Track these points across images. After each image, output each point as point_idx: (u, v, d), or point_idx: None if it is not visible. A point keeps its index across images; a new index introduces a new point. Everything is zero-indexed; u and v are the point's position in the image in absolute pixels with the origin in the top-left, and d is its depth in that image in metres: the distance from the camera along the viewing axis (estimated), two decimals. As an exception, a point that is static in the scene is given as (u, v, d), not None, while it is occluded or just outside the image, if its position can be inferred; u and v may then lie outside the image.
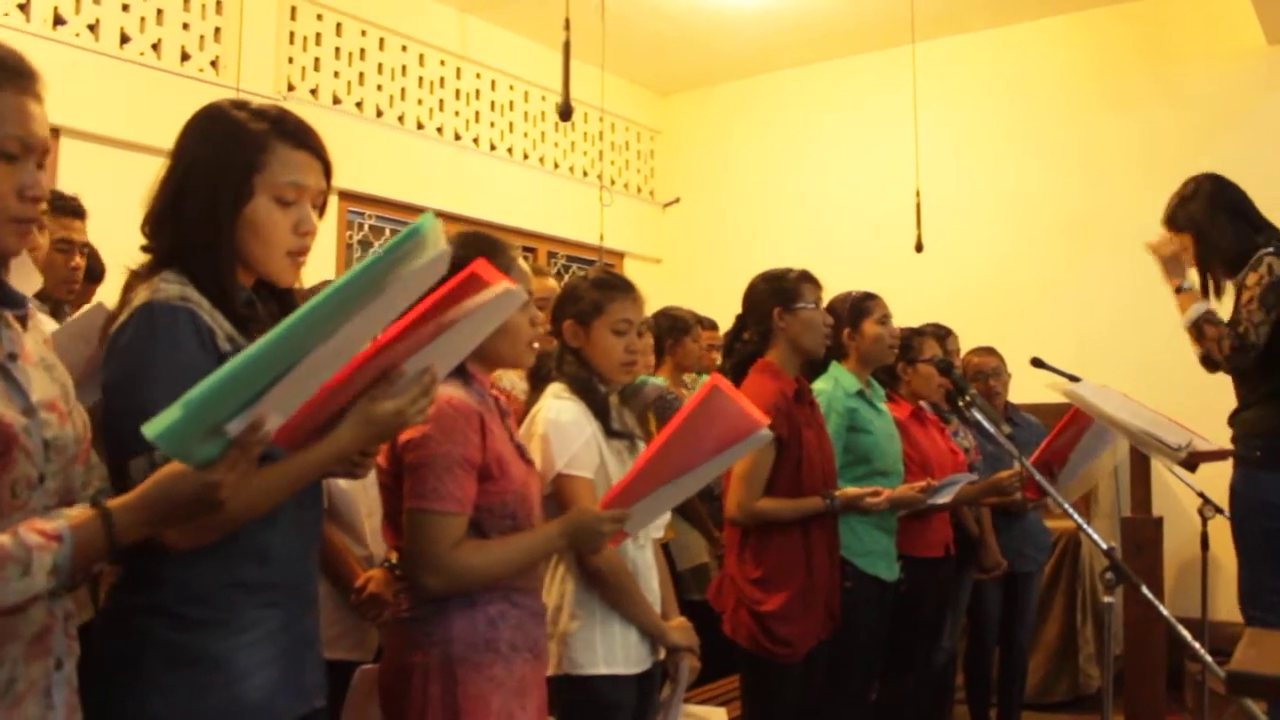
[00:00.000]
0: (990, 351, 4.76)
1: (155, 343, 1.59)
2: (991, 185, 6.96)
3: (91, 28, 5.00)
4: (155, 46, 5.24)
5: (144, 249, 1.72)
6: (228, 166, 1.67)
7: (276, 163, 1.69)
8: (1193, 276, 3.43)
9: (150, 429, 1.27)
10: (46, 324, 1.60)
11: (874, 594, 3.50)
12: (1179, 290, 3.40)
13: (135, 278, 1.69)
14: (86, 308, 1.95)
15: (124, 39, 5.11)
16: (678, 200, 8.28)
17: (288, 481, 1.58)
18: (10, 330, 1.46)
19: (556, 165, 7.55)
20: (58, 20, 4.88)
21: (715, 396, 2.17)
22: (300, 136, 1.73)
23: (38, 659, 1.40)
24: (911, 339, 4.13)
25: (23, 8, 4.77)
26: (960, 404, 3.16)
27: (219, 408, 1.31)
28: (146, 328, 1.59)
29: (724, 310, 3.58)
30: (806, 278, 3.36)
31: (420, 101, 6.61)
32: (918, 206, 6.03)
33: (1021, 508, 4.42)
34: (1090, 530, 2.60)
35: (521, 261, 2.27)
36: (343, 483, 2.84)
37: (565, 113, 4.30)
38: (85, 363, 1.80)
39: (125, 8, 5.12)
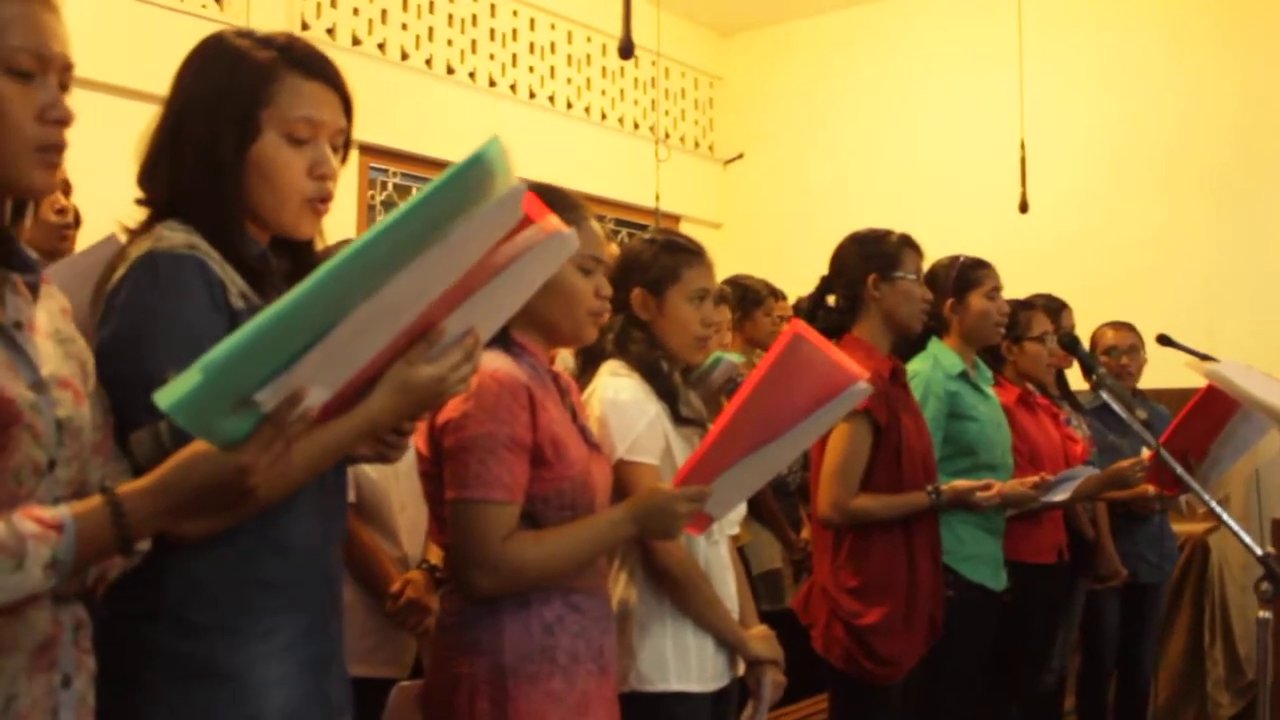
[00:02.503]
0: (1127, 327, 4.73)
1: (160, 296, 1.54)
2: (1110, 135, 6.82)
3: (82, -41, 5.00)
4: (153, -20, 5.24)
5: (139, 202, 1.69)
6: (230, 100, 1.63)
7: (286, 94, 1.65)
8: None
9: (163, 397, 1.19)
10: (63, 295, 1.55)
11: (978, 605, 3.46)
12: None
13: (131, 234, 1.66)
14: (97, 241, 1.89)
15: (119, -28, 5.12)
16: (741, 156, 8.22)
17: (311, 459, 1.51)
18: (18, 297, 1.42)
19: (604, 116, 7.51)
20: (45, -49, 4.89)
21: (798, 345, 2.07)
22: (313, 65, 1.69)
23: (41, 673, 1.36)
24: (1018, 313, 4.06)
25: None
26: (1089, 384, 3.08)
27: (246, 373, 1.23)
28: (149, 279, 1.54)
29: (792, 280, 3.53)
30: (909, 243, 3.32)
31: (450, 42, 6.57)
32: (1022, 160, 5.92)
33: (1149, 507, 4.33)
34: (1240, 530, 2.53)
35: (594, 223, 2.23)
36: (371, 472, 2.81)
37: (626, 49, 4.21)
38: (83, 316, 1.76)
39: (121, -62, 5.13)
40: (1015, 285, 4.31)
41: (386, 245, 1.25)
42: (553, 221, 1.48)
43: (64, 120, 1.38)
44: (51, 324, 1.46)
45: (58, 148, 1.38)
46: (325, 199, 1.70)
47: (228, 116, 1.63)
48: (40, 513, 1.26)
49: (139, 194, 1.70)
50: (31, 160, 1.36)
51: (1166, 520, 4.64)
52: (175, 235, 1.58)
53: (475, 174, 1.28)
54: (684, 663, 2.48)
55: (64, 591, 1.36)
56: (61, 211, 3.01)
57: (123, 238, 1.68)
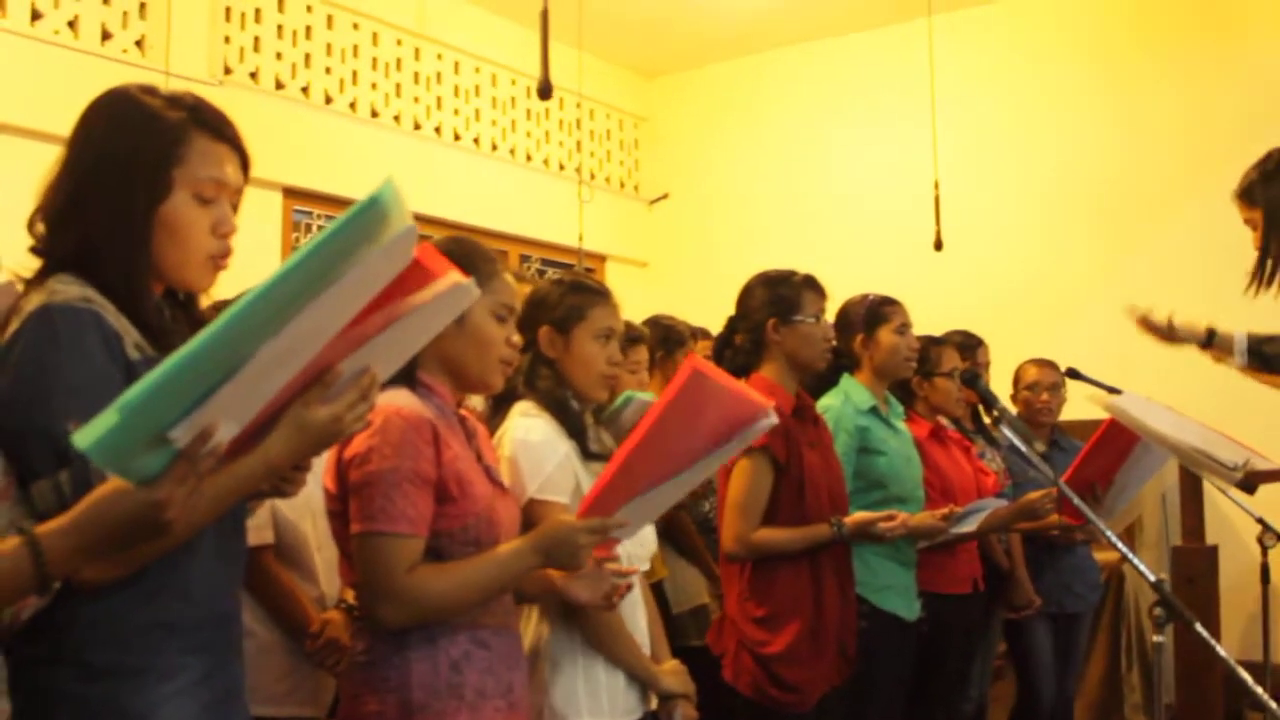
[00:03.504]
0: (1049, 364, 4.80)
1: (57, 349, 1.56)
2: (1020, 175, 6.98)
3: None
4: (72, 24, 5.22)
5: (34, 251, 1.70)
6: (142, 159, 1.66)
7: (196, 155, 1.69)
8: (1198, 325, 3.42)
9: (82, 439, 1.22)
10: None
11: (893, 634, 3.49)
12: (1206, 346, 3.40)
13: (25, 284, 1.67)
14: None
15: (35, 15, 5.09)
16: (666, 196, 8.29)
17: (214, 499, 1.53)
18: None
19: (529, 157, 7.55)
20: (-38, -5, 4.87)
21: (696, 380, 2.07)
22: (220, 127, 1.73)
23: None
24: (929, 349, 4.13)
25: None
26: (988, 420, 3.15)
27: (160, 412, 1.27)
28: (46, 333, 1.56)
29: (719, 318, 3.58)
30: (810, 284, 3.36)
31: (374, 86, 6.59)
32: (936, 199, 6.03)
33: (1069, 539, 4.41)
34: (1135, 559, 2.59)
35: (509, 276, 2.27)
36: (289, 513, 2.82)
37: (545, 91, 4.27)
38: None
39: (38, -19, 5.11)
40: (932, 322, 4.39)
41: (288, 287, 1.30)
42: (452, 276, 1.53)
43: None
44: None
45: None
46: (226, 255, 1.75)
47: (141, 175, 1.66)
48: None
49: (29, 232, 1.71)
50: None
51: (1089, 550, 4.73)
52: (70, 289, 1.60)
53: (372, 216, 1.32)
54: (595, 698, 2.49)
55: None
56: None
57: (19, 287, 1.69)
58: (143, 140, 1.67)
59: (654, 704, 2.62)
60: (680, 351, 4.68)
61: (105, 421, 1.22)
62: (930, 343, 4.18)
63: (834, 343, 3.46)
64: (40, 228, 1.69)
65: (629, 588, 2.40)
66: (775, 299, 3.32)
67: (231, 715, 1.74)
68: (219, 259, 1.74)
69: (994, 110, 7.09)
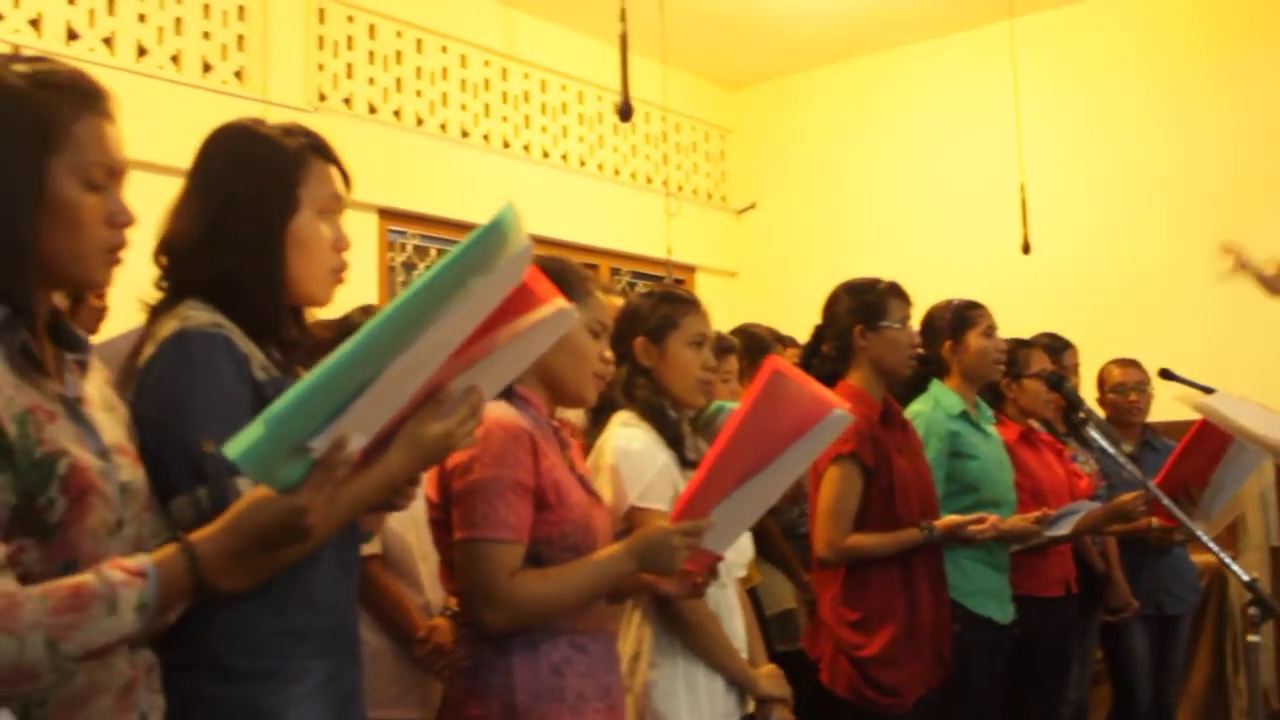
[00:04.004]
0: (1134, 364, 4.78)
1: (194, 372, 1.66)
2: (1107, 175, 6.89)
3: (107, 41, 5.18)
4: (175, 58, 5.41)
5: (163, 279, 1.80)
6: (272, 184, 1.78)
7: (315, 177, 1.81)
8: None
9: (232, 449, 1.34)
10: (105, 366, 1.68)
11: (986, 638, 3.50)
12: None
13: (153, 311, 1.77)
14: (129, 330, 2.03)
15: (141, 51, 5.29)
16: (753, 206, 8.32)
17: (340, 511, 1.63)
18: (72, 375, 1.54)
19: (617, 171, 7.63)
20: (71, 35, 5.07)
21: (777, 380, 2.14)
22: (330, 152, 1.86)
23: (124, 714, 1.48)
24: (1017, 351, 4.13)
25: (35, 24, 4.96)
26: (1074, 421, 3.15)
27: (303, 423, 1.38)
28: (182, 357, 1.67)
29: (807, 326, 3.61)
30: (895, 291, 3.39)
31: (464, 107, 6.73)
32: (1023, 202, 6.01)
33: (1167, 541, 4.37)
34: (1228, 559, 2.59)
35: (601, 295, 2.35)
36: (394, 524, 2.91)
37: (625, 113, 4.36)
38: None
39: (142, 18, 5.30)
40: (1020, 325, 4.39)
41: (418, 305, 1.41)
42: (558, 302, 1.65)
43: (129, 223, 1.53)
44: (100, 395, 1.59)
45: (122, 247, 1.54)
46: (345, 268, 1.87)
47: (273, 199, 1.77)
48: (125, 562, 1.38)
49: (156, 263, 1.81)
50: (102, 260, 1.51)
51: (1187, 551, 4.68)
52: (201, 314, 1.71)
53: (494, 238, 1.43)
54: (696, 702, 2.55)
55: (140, 636, 1.47)
56: (102, 310, 3.22)
57: (143, 313, 1.80)
58: (269, 167, 1.79)
59: (751, 707, 2.66)
60: (764, 358, 4.71)
61: (252, 433, 1.34)
62: (1018, 345, 4.18)
63: (920, 349, 3.48)
64: (164, 258, 1.79)
65: (715, 574, 2.44)
66: (861, 306, 3.35)
67: (352, 716, 1.83)
68: (339, 272, 1.85)
69: (1079, 111, 7.01)
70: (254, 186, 1.77)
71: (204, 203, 1.78)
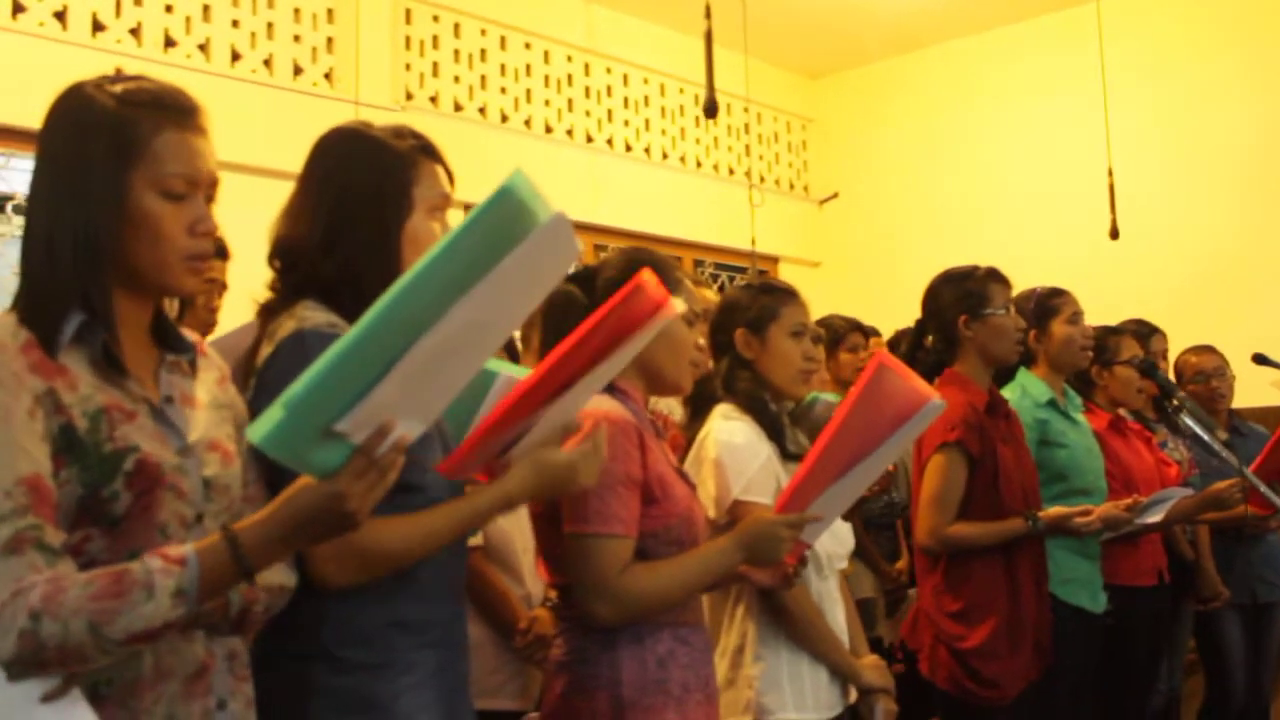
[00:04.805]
0: (1210, 350, 4.69)
1: None
2: (1196, 159, 6.79)
3: (202, 47, 5.31)
4: (267, 62, 5.53)
5: (277, 280, 1.84)
6: (388, 186, 1.82)
7: (425, 178, 1.86)
8: None
9: (253, 433, 1.33)
10: (221, 362, 1.75)
11: (1079, 628, 3.45)
12: None
13: (268, 310, 1.82)
14: (243, 325, 2.09)
15: (235, 56, 5.41)
16: (836, 195, 8.30)
17: (451, 525, 1.72)
18: (175, 374, 1.60)
19: (699, 164, 7.66)
20: (169, 43, 5.20)
21: (883, 375, 2.16)
22: (437, 152, 1.91)
23: (197, 698, 1.53)
24: (1106, 339, 4.08)
25: (135, 32, 5.10)
26: (1168, 409, 3.11)
27: (323, 405, 1.34)
28: (299, 356, 1.67)
29: (892, 316, 3.61)
30: (995, 276, 3.35)
31: (548, 103, 6.80)
32: (1111, 187, 5.92)
33: (1260, 528, 4.30)
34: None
35: (689, 282, 2.35)
36: (499, 519, 2.95)
37: (710, 109, 4.36)
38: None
39: (235, 24, 5.43)
40: (1109, 311, 4.35)
41: (427, 281, 1.35)
42: (676, 304, 1.70)
43: (211, 232, 1.57)
44: (209, 394, 1.65)
45: (205, 255, 1.58)
46: None
47: (390, 199, 1.82)
48: (167, 550, 1.42)
49: (270, 265, 1.87)
50: (183, 268, 1.56)
51: (1280, 538, 4.60)
52: (317, 314, 1.76)
53: (505, 205, 1.37)
54: (800, 693, 2.54)
55: (208, 623, 1.53)
56: (213, 310, 3.30)
57: (253, 313, 1.86)
58: (383, 169, 1.83)
59: (854, 698, 2.66)
60: (840, 348, 4.71)
61: (272, 415, 1.31)
62: (1107, 332, 4.12)
63: (1025, 333, 3.44)
64: (278, 261, 1.85)
65: (805, 561, 2.45)
66: (964, 295, 3.31)
67: (459, 704, 1.87)
68: None
69: (1167, 95, 6.91)
70: (370, 188, 1.81)
71: (320, 205, 1.82)
